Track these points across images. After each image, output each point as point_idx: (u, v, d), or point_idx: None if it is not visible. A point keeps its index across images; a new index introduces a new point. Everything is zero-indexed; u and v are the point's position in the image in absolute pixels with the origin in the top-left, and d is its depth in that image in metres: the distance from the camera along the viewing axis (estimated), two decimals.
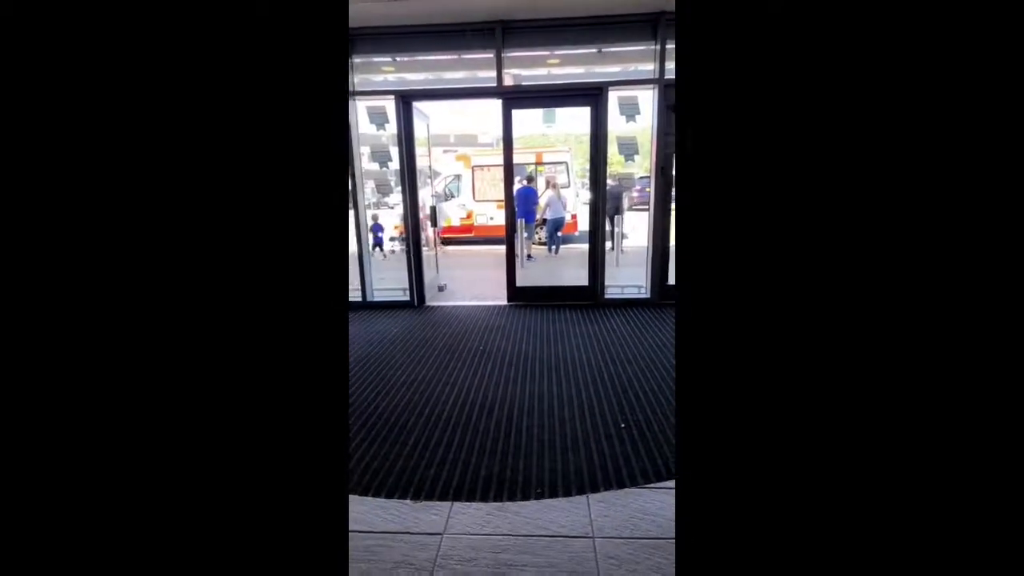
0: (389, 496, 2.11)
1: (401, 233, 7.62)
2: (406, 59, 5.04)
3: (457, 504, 2.04)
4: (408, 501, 2.07)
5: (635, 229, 8.12)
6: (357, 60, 4.82)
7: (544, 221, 8.57)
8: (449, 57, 4.99)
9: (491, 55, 4.70)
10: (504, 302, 5.28)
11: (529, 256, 7.89)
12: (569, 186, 10.01)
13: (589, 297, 5.15)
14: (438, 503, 2.05)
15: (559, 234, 8.50)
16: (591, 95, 4.79)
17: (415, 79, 5.22)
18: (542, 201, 8.42)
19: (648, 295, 5.08)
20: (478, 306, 5.24)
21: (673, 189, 5.02)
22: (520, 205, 7.35)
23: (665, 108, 4.65)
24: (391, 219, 8.42)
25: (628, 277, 5.48)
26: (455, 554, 1.74)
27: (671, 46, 4.55)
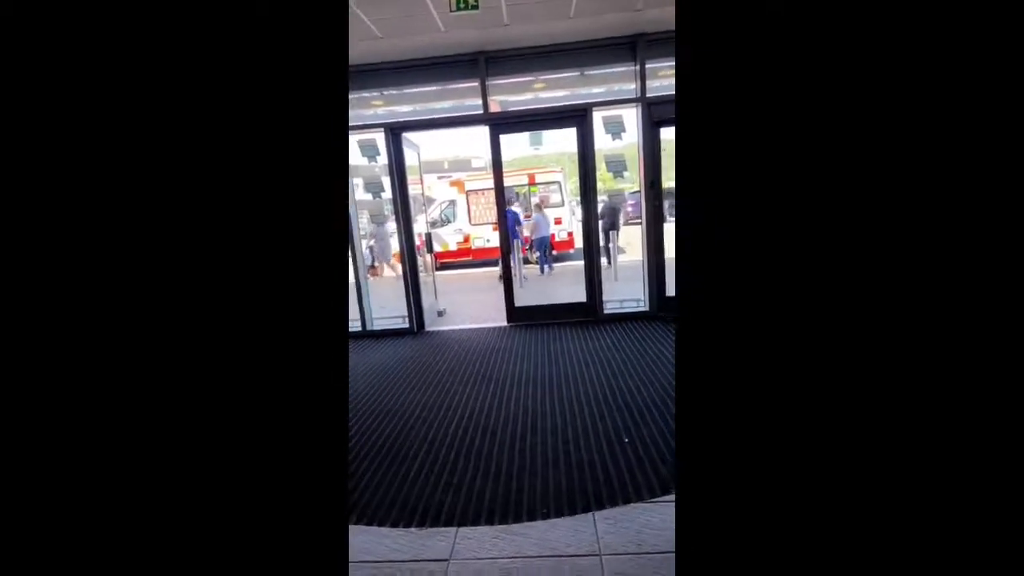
0: (394, 525, 2.09)
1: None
2: (394, 92, 5.17)
3: (463, 529, 2.02)
4: (413, 528, 2.06)
5: (630, 243, 8.18)
6: None
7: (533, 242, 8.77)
8: (435, 88, 5.12)
9: (476, 83, 4.83)
10: (504, 323, 5.29)
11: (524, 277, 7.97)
12: (563, 204, 10.13)
13: (589, 313, 5.16)
14: (444, 529, 2.03)
15: (547, 253, 8.70)
16: (576, 116, 4.90)
17: (403, 111, 5.34)
18: (528, 224, 8.65)
19: (647, 308, 5.10)
20: (478, 328, 5.25)
21: (665, 202, 5.09)
22: (509, 227, 7.53)
23: (649, 125, 4.75)
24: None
25: (626, 291, 5.49)
26: None
27: (651, 65, 4.68)
